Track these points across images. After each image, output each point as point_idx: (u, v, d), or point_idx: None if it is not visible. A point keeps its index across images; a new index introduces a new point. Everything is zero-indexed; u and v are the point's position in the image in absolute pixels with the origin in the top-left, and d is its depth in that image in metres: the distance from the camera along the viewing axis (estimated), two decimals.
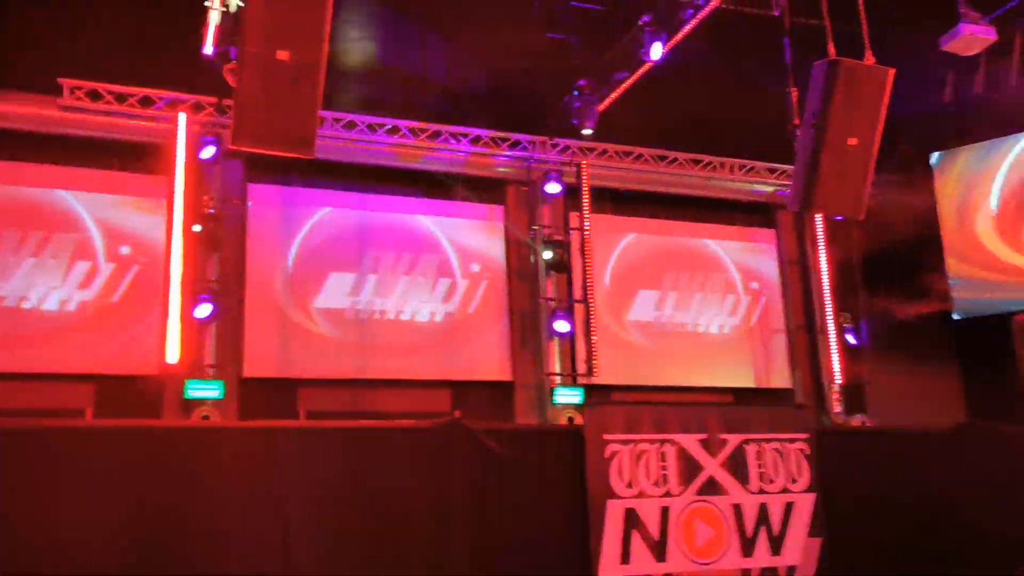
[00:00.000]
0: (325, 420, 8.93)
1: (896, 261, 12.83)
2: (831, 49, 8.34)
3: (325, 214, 11.23)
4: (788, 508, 6.30)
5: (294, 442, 5.78)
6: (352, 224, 11.31)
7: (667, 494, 6.06)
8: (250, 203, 10.75)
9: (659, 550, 5.95)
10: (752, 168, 12.95)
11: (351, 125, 11.32)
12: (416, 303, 11.23)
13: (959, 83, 12.53)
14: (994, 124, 12.45)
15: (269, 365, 10.50)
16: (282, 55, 6.66)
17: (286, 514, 5.49)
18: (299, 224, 11.05)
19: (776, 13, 10.27)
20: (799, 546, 6.25)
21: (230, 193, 10.63)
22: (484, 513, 5.87)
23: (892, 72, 8.28)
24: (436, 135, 11.71)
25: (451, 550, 5.70)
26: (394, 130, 11.51)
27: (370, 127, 11.42)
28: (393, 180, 11.66)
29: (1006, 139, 12.19)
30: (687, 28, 10.11)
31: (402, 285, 11.21)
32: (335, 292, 10.90)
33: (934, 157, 12.52)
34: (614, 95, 11.28)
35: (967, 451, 6.83)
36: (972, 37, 9.72)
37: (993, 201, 12.13)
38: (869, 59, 8.36)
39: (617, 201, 12.54)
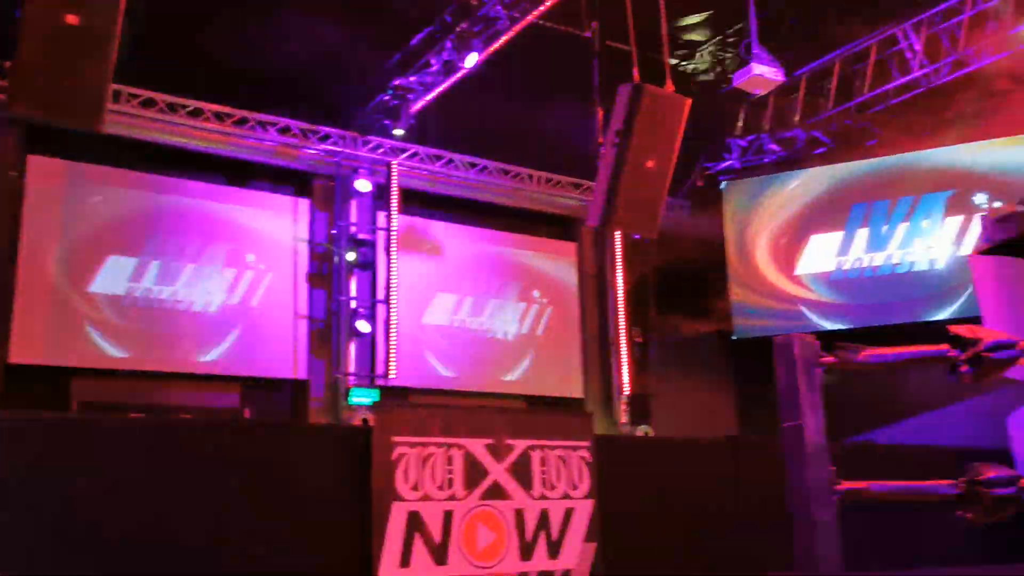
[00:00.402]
0: (99, 413, 8.39)
1: (686, 281, 13.56)
2: (636, 74, 8.72)
3: (113, 193, 10.56)
4: (568, 514, 6.49)
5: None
6: (141, 206, 10.69)
7: (452, 498, 6.09)
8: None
9: (440, 554, 5.97)
10: (558, 182, 13.30)
11: (150, 103, 10.71)
12: (204, 293, 10.76)
13: (749, 117, 13.44)
14: (778, 158, 13.41)
15: (39, 351, 9.74)
16: (71, 19, 6.22)
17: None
18: (82, 202, 10.33)
19: (587, 35, 10.63)
20: (576, 551, 6.44)
21: (5, 162, 9.81)
22: (261, 513, 5.68)
23: (689, 102, 8.75)
24: (242, 121, 11.28)
25: (228, 541, 5.47)
26: (197, 112, 11.00)
27: (171, 106, 10.85)
28: (192, 164, 11.14)
29: (785, 173, 13.14)
30: (503, 40, 10.28)
31: (188, 274, 10.70)
32: (114, 276, 10.25)
33: (723, 185, 13.31)
34: (428, 98, 11.31)
35: (735, 462, 7.27)
36: (762, 78, 10.43)
37: (771, 231, 13.03)
38: (669, 87, 8.80)
39: (425, 204, 12.55)
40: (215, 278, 10.89)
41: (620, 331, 13.08)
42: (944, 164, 12.24)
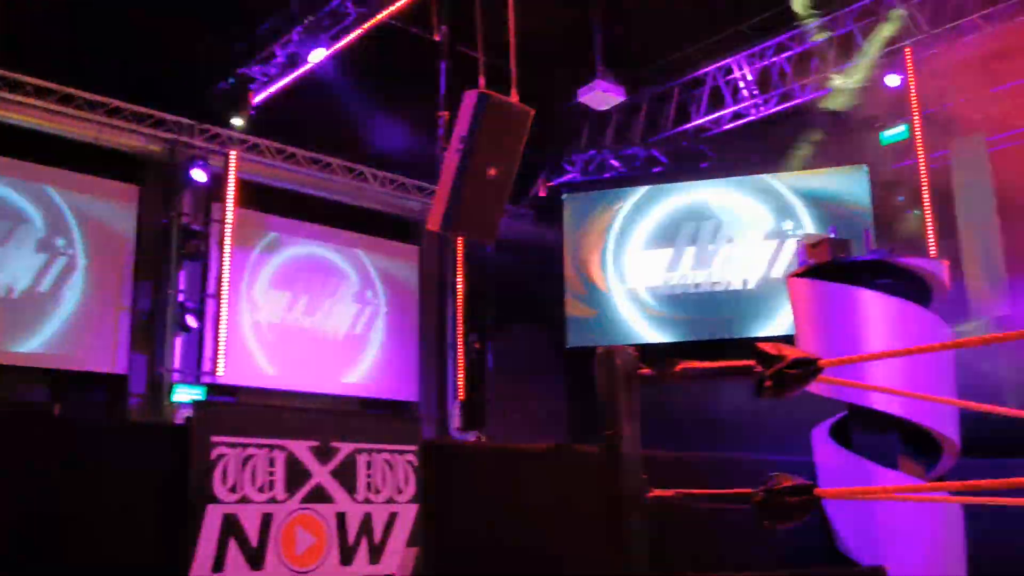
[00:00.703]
0: None
1: (525, 290, 13.77)
2: (482, 80, 8.78)
3: None
4: (391, 518, 6.44)
5: None
6: None
7: (272, 500, 5.92)
8: None
9: (256, 558, 5.80)
10: (402, 184, 13.24)
11: None
12: (11, 278, 10.06)
13: (593, 133, 13.81)
14: (617, 174, 13.82)
15: None
16: None
17: None
18: None
19: (437, 38, 10.64)
20: (398, 556, 6.40)
21: None
22: (70, 514, 5.36)
23: (532, 113, 8.89)
24: (67, 99, 10.63)
25: (34, 542, 5.12)
26: (16, 86, 10.28)
27: None
28: (5, 140, 10.39)
29: (624, 189, 13.55)
30: (351, 37, 10.15)
31: None
32: None
33: (564, 197, 13.59)
34: (272, 90, 11.02)
35: (561, 470, 7.42)
36: (605, 95, 10.74)
37: (606, 244, 13.40)
38: (514, 97, 8.90)
39: (264, 198, 12.20)
40: (23, 262, 10.19)
41: (458, 337, 13.14)
42: (766, 190, 12.95)
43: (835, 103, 11.69)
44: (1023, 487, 4.68)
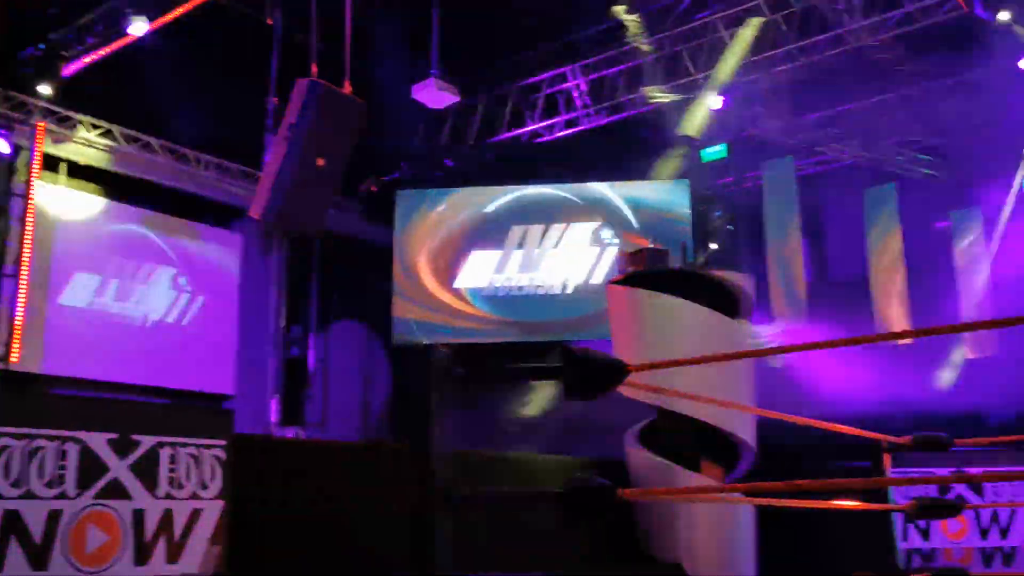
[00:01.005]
0: None
1: (352, 284, 13.58)
2: (314, 68, 8.60)
3: None
4: (194, 515, 6.16)
5: None
6: None
7: (62, 496, 5.54)
8: None
9: (40, 558, 5.41)
10: (227, 169, 12.73)
11: None
12: None
13: (429, 131, 13.78)
14: (450, 173, 13.85)
15: None
16: None
17: None
18: None
19: (269, 22, 10.33)
20: (199, 553, 6.13)
21: None
22: None
23: (364, 105, 8.78)
24: None
25: None
26: None
27: None
28: None
29: (456, 189, 13.59)
30: (177, 11, 9.69)
31: None
32: None
33: (396, 194, 13.48)
34: (87, 60, 10.36)
35: (377, 467, 7.33)
36: (440, 93, 10.74)
37: (435, 243, 13.37)
38: (347, 88, 8.77)
39: (74, 175, 11.44)
40: None
41: (280, 330, 12.77)
42: (595, 197, 13.32)
43: (663, 120, 12.18)
44: (804, 489, 5.00)
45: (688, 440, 7.76)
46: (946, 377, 11.87)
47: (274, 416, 12.52)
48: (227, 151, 12.48)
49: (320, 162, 8.71)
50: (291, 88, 8.71)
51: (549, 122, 13.07)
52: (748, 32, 10.96)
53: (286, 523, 6.64)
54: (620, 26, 11.74)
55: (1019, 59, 10.33)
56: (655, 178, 13.02)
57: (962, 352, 11.80)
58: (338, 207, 12.82)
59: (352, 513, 7.01)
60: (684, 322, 8.00)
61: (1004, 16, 9.66)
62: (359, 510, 7.04)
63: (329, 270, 13.53)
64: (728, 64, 11.14)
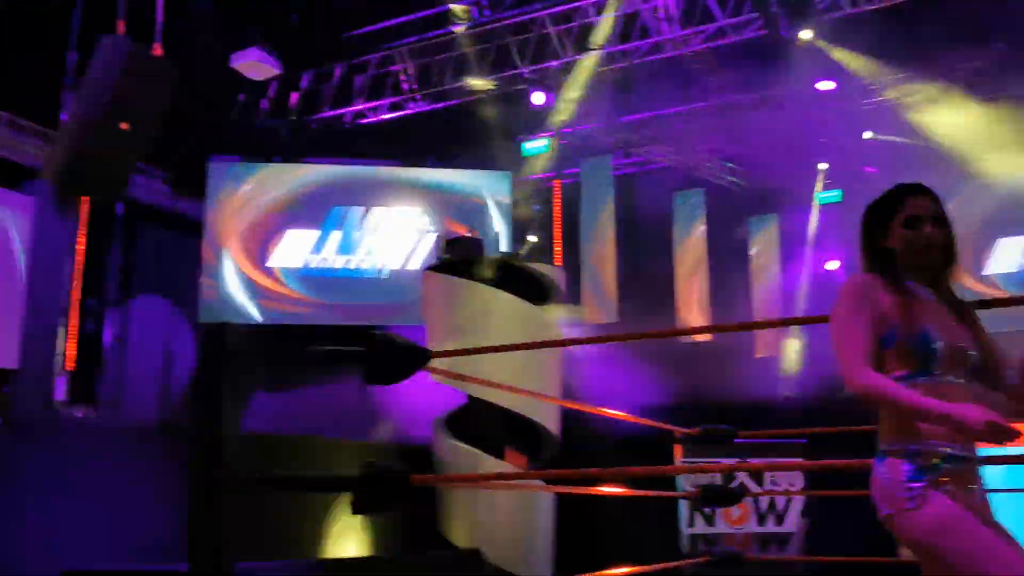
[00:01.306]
0: None
1: (158, 257, 12.88)
2: (121, 26, 8.09)
3: None
4: None
5: None
6: None
7: None
8: None
9: None
10: (20, 126, 11.75)
11: None
12: None
13: (249, 102, 13.26)
14: (270, 148, 13.38)
15: None
16: None
17: None
18: None
19: None
20: None
21: None
22: None
23: (175, 69, 8.34)
24: None
25: None
26: None
27: None
28: None
29: (274, 164, 13.12)
30: None
31: None
32: None
33: (209, 166, 12.84)
34: None
35: (165, 448, 6.99)
36: (260, 64, 10.35)
37: (248, 218, 12.82)
38: (157, 50, 8.30)
39: None
40: None
41: (72, 302, 11.94)
42: (417, 182, 13.23)
43: (487, 110, 12.25)
44: (593, 477, 5.14)
45: (494, 427, 7.86)
46: (742, 372, 12.57)
47: (62, 394, 11.72)
48: (20, 107, 11.51)
49: (124, 126, 8.19)
50: (95, 44, 8.16)
51: (374, 104, 12.88)
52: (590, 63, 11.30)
53: (60, 508, 6.23)
54: (450, 13, 11.71)
55: (816, 81, 11.06)
56: (477, 167, 13.08)
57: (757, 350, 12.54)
58: (145, 175, 12.14)
59: (143, 494, 6.67)
60: (496, 311, 8.09)
61: (806, 35, 10.28)
62: (150, 491, 6.71)
63: (132, 241, 12.78)
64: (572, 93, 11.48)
